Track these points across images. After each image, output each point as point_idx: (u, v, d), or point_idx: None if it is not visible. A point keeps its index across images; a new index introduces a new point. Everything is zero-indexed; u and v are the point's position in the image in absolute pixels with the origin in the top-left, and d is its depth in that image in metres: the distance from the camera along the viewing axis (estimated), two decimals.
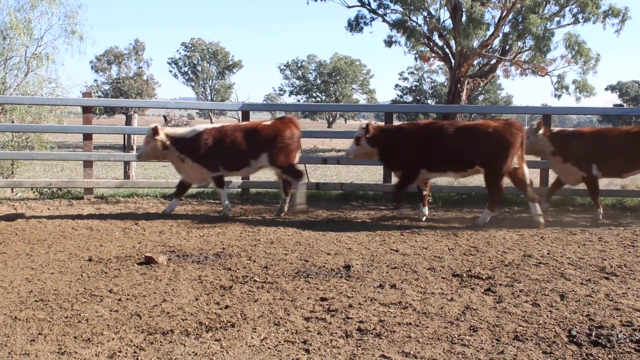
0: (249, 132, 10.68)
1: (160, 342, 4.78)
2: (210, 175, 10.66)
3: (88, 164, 12.57)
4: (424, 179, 10.47)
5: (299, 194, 10.87)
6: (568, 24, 32.16)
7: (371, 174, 17.43)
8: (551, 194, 11.45)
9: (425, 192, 10.61)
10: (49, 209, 11.33)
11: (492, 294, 6.15)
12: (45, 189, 12.53)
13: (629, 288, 6.41)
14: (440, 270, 7.05)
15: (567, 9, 31.63)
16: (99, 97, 62.81)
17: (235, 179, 12.34)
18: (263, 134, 10.54)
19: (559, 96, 34.91)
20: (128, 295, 5.99)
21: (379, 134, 10.40)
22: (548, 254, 7.97)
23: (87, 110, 12.63)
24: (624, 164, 10.69)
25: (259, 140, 10.57)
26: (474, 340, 4.86)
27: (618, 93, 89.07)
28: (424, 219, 10.45)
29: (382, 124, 11.67)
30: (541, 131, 10.82)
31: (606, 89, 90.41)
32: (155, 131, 10.31)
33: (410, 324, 5.22)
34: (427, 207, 10.62)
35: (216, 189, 10.94)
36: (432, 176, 10.59)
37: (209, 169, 10.57)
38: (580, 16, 31.23)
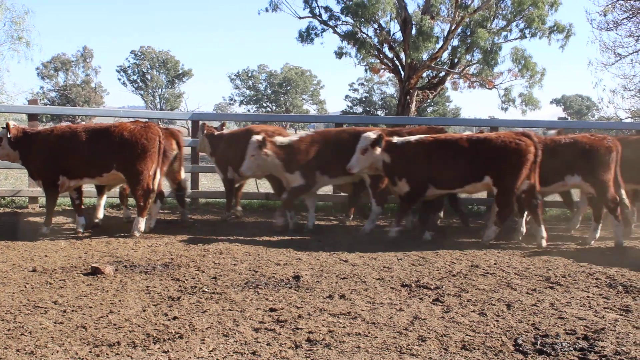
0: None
1: (107, 354, 4.69)
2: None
3: None
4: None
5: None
6: (515, 39, 32.89)
7: None
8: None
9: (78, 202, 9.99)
10: None
11: (440, 304, 6.21)
12: None
13: (572, 297, 6.55)
14: (389, 281, 7.09)
15: (514, 24, 32.34)
16: (45, 104, 61.64)
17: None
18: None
19: (506, 109, 35.65)
20: (73, 306, 5.87)
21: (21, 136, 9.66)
22: (495, 264, 8.09)
23: (32, 117, 12.40)
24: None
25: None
26: (423, 350, 4.90)
27: (562, 106, 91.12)
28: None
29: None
30: (205, 132, 11.27)
31: (551, 103, 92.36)
32: None
33: (360, 334, 5.23)
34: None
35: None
36: (73, 183, 9.72)
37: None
38: (526, 31, 31.96)
